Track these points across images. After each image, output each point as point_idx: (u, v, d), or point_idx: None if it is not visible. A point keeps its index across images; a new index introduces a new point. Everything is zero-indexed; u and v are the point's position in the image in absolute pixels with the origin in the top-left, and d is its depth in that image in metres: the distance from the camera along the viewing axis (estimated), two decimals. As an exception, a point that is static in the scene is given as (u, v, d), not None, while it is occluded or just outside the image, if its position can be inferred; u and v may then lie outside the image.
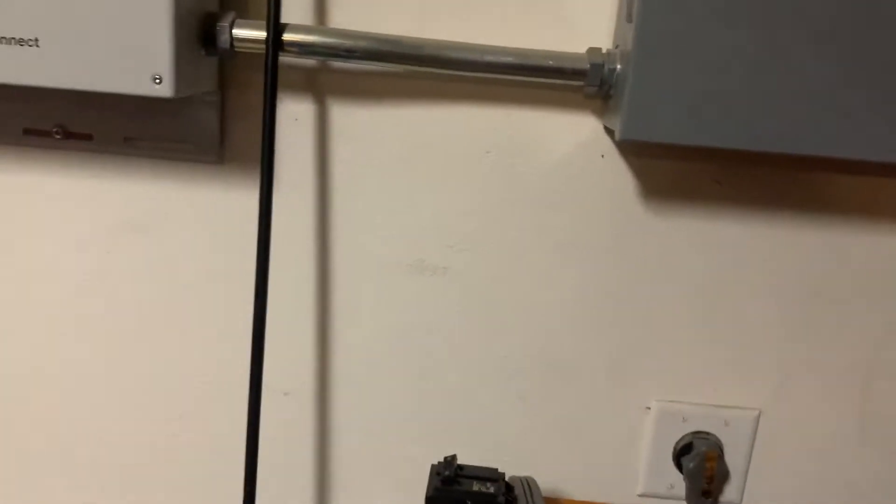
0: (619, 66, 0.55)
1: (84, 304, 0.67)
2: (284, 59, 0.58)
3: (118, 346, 0.68)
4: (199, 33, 0.55)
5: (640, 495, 0.70)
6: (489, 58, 0.57)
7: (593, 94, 0.58)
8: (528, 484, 0.59)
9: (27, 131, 0.62)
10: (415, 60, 0.56)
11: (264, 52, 0.55)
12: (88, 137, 0.62)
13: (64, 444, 0.70)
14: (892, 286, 0.65)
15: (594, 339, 0.66)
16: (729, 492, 0.69)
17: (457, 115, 0.62)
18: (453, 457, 0.57)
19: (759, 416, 0.68)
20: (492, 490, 0.55)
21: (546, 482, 0.69)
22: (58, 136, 0.62)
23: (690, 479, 0.67)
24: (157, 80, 0.51)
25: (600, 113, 0.61)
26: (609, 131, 0.61)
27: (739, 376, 0.67)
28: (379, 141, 0.63)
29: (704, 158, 0.62)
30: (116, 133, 0.61)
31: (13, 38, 0.51)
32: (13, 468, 0.71)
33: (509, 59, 0.56)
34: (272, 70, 0.55)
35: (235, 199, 0.63)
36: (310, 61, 0.61)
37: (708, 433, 0.68)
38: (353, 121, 0.62)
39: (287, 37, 0.55)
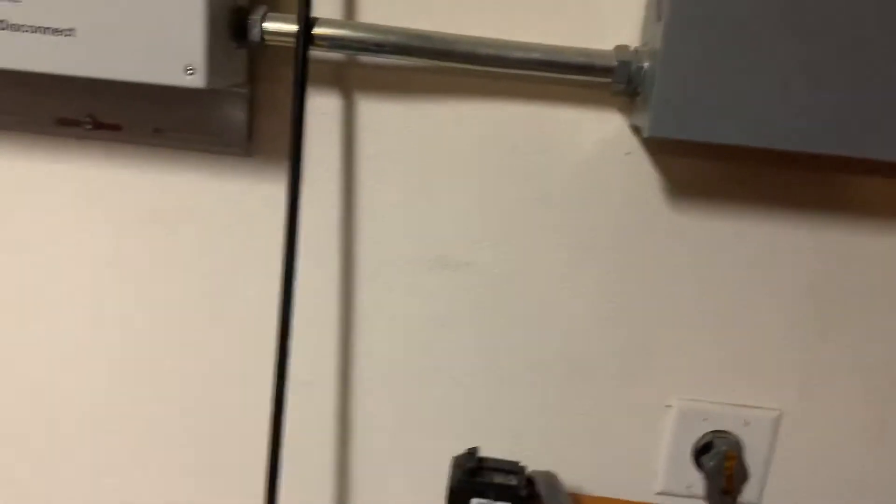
0: (646, 64, 0.56)
1: (111, 293, 0.67)
2: (313, 52, 0.58)
3: (143, 335, 0.68)
4: (230, 26, 0.55)
5: (658, 493, 0.70)
6: (518, 54, 0.57)
7: (620, 92, 0.58)
8: (550, 479, 0.59)
9: (59, 121, 0.63)
10: (444, 56, 0.57)
11: (294, 45, 0.56)
12: (118, 128, 0.62)
13: (88, 430, 0.71)
14: (916, 288, 0.65)
15: (616, 336, 0.66)
16: (748, 492, 0.69)
17: (482, 111, 0.62)
18: (475, 449, 0.58)
19: (779, 417, 0.68)
20: (514, 482, 0.55)
21: (564, 478, 0.69)
22: (88, 127, 0.62)
23: (710, 478, 0.67)
24: (191, 72, 0.52)
25: (626, 111, 0.61)
26: (635, 129, 0.61)
27: (760, 376, 0.67)
28: (404, 136, 0.63)
29: (729, 157, 0.62)
30: (146, 124, 0.62)
31: (50, 28, 0.52)
32: (38, 454, 0.72)
33: (538, 56, 0.57)
34: (302, 63, 0.56)
35: (262, 192, 0.64)
36: (338, 55, 0.61)
37: (728, 432, 0.68)
38: (380, 115, 0.63)
39: (317, 31, 0.56)
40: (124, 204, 0.65)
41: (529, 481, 0.58)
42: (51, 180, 0.65)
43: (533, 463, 0.69)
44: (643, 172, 0.62)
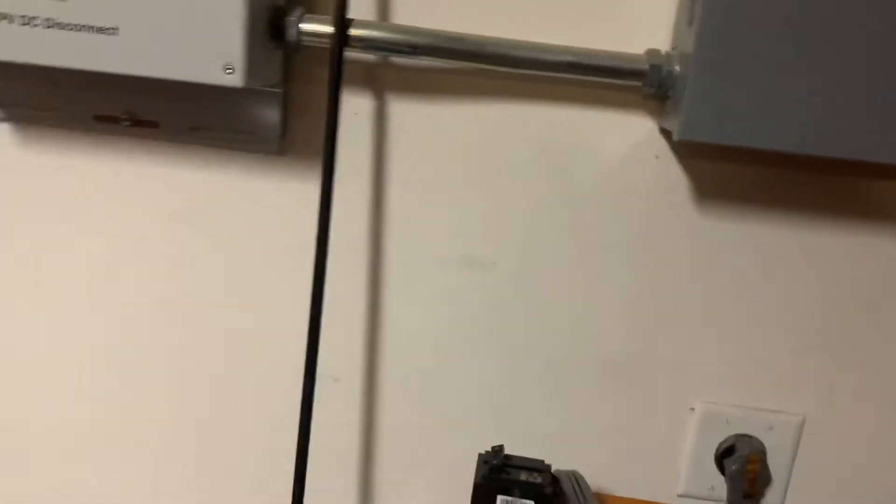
0: (677, 68, 0.56)
1: (145, 287, 0.69)
2: (347, 53, 0.59)
3: (174, 329, 0.70)
4: (268, 26, 0.56)
5: (680, 495, 0.70)
6: (549, 57, 0.58)
7: (651, 95, 0.58)
8: (576, 478, 0.60)
9: (97, 118, 0.64)
10: (477, 58, 0.58)
11: (330, 46, 0.57)
12: (155, 125, 0.64)
13: (115, 422, 0.73)
14: (943, 295, 0.64)
15: (641, 338, 0.67)
16: (770, 496, 0.70)
17: (512, 112, 0.63)
18: (501, 447, 0.58)
19: (803, 422, 0.68)
20: (539, 480, 0.56)
21: (587, 477, 0.69)
22: (126, 124, 0.64)
23: (732, 481, 0.67)
24: (229, 70, 0.53)
25: (656, 114, 0.62)
26: (665, 132, 0.62)
27: (785, 381, 0.67)
28: (435, 136, 0.64)
29: (759, 161, 0.62)
30: (182, 121, 0.63)
31: (94, 26, 0.53)
32: (68, 444, 0.73)
33: (569, 59, 0.57)
34: (338, 64, 0.57)
35: (294, 190, 0.65)
36: (371, 56, 0.62)
37: (751, 436, 0.68)
38: (411, 116, 0.64)
39: (353, 32, 0.57)
40: (159, 199, 0.66)
41: (554, 479, 0.58)
42: (89, 175, 0.66)
43: (556, 462, 0.69)
44: (672, 175, 0.63)
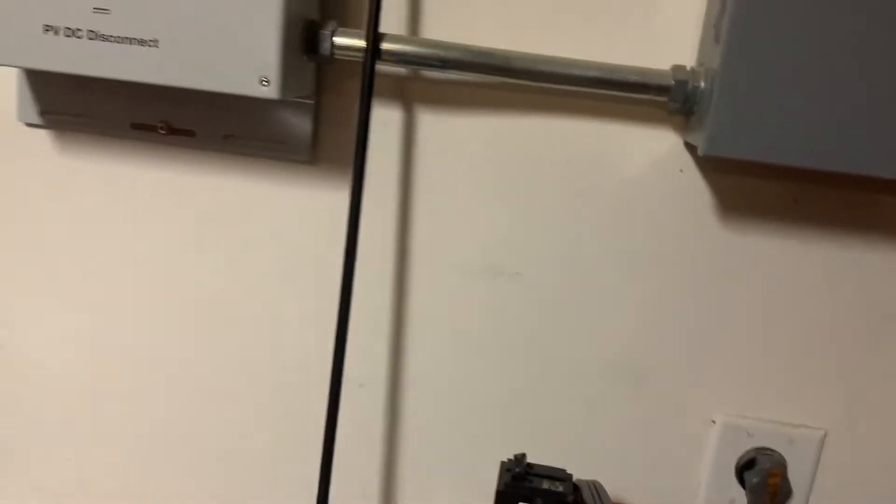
0: (702, 84, 0.57)
1: (177, 292, 0.70)
2: (378, 66, 0.60)
3: (204, 334, 0.71)
4: (302, 40, 0.58)
5: (700, 508, 0.71)
6: (576, 71, 0.59)
7: (676, 110, 0.59)
8: (596, 488, 0.61)
9: (134, 125, 0.66)
10: (505, 72, 0.59)
11: (362, 60, 0.58)
12: (191, 133, 0.65)
13: (141, 424, 0.74)
14: (968, 313, 0.64)
15: (663, 349, 0.67)
16: (791, 510, 0.70)
17: (538, 125, 0.64)
18: (523, 455, 0.59)
19: (825, 437, 0.68)
20: (560, 489, 0.56)
21: (606, 487, 0.70)
22: (162, 132, 0.66)
23: (752, 494, 0.68)
24: (265, 83, 0.54)
25: (681, 128, 0.63)
26: (689, 147, 0.62)
27: (807, 395, 0.67)
28: (462, 148, 0.65)
29: (783, 177, 0.63)
30: (217, 130, 0.65)
31: (135, 39, 0.55)
32: (102, 446, 0.75)
33: (596, 74, 0.58)
34: (370, 77, 0.58)
35: (324, 198, 0.66)
36: (401, 69, 0.63)
37: (772, 450, 0.68)
38: (439, 128, 0.65)
39: (385, 46, 0.58)
40: (193, 205, 0.68)
41: (576, 488, 0.59)
42: (125, 181, 0.68)
43: (577, 471, 0.70)
44: (696, 189, 0.63)
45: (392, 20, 0.62)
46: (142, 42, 0.55)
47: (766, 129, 0.54)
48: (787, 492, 0.69)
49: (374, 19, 0.58)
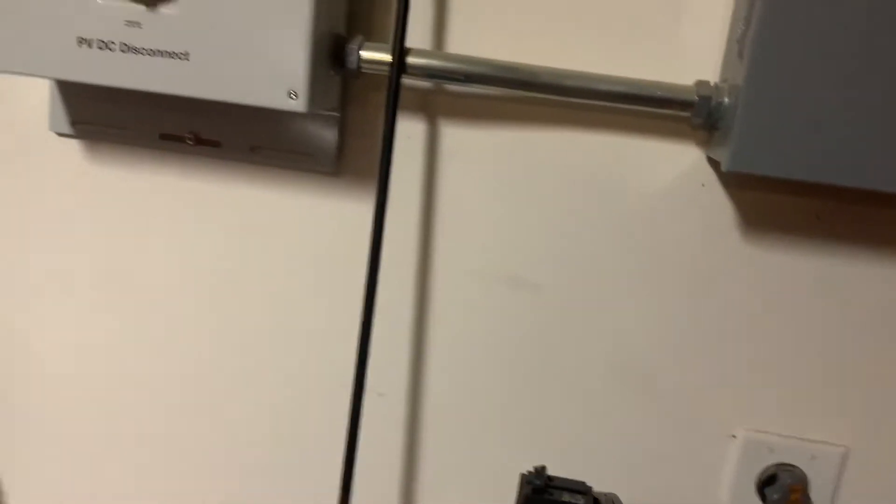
0: (726, 100, 0.57)
1: (201, 300, 0.71)
2: (403, 80, 0.61)
3: (226, 342, 0.72)
4: (329, 54, 0.59)
5: (720, 523, 0.71)
6: (600, 86, 0.59)
7: (699, 126, 0.59)
8: (614, 502, 0.61)
9: (163, 136, 0.67)
10: (529, 87, 0.59)
11: (388, 73, 0.59)
12: (218, 144, 0.66)
13: (164, 430, 0.75)
14: None
15: (684, 363, 0.67)
16: (812, 527, 0.69)
17: (560, 139, 0.65)
18: (543, 467, 0.59)
19: (846, 453, 0.68)
20: (580, 502, 0.57)
21: (625, 501, 0.70)
22: (190, 142, 0.67)
23: (773, 510, 0.67)
24: (293, 96, 0.55)
25: (703, 143, 0.63)
26: (712, 162, 0.62)
27: (829, 411, 0.67)
28: (484, 161, 0.66)
29: (806, 193, 0.62)
30: (244, 142, 0.66)
31: (167, 52, 0.56)
32: (119, 448, 0.76)
33: (620, 89, 0.59)
34: (395, 91, 0.59)
35: (348, 209, 0.67)
36: (425, 83, 0.64)
37: (793, 466, 0.68)
38: (462, 141, 0.66)
39: (410, 60, 0.59)
40: (219, 215, 0.69)
41: (595, 501, 0.59)
42: (153, 191, 0.69)
43: (596, 484, 0.70)
44: (718, 204, 0.63)
45: (417, 34, 0.63)
46: (173, 55, 0.56)
47: (789, 145, 0.54)
48: (808, 508, 0.69)
49: (400, 34, 0.58)
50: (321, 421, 0.72)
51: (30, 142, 0.70)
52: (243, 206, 0.69)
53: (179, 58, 0.56)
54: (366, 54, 0.59)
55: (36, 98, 0.69)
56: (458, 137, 0.66)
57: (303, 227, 0.68)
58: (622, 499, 0.65)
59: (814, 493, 0.68)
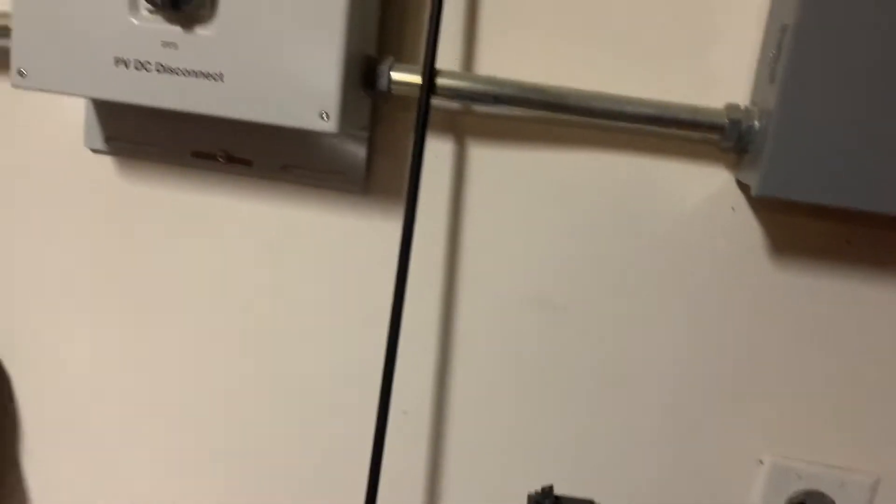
0: (757, 124, 0.57)
1: (230, 316, 0.72)
2: (432, 100, 0.62)
3: (253, 359, 0.73)
4: (360, 75, 0.59)
5: (746, 549, 0.70)
6: (629, 109, 0.59)
7: (729, 149, 0.59)
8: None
9: (195, 154, 0.68)
10: (558, 108, 0.60)
11: (418, 95, 0.60)
12: (249, 163, 0.67)
13: (190, 444, 0.76)
14: None
15: (711, 387, 0.67)
16: (840, 556, 0.68)
17: (588, 161, 0.65)
18: (550, 487, 0.59)
19: (877, 482, 0.66)
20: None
21: (650, 526, 0.70)
22: (221, 160, 0.68)
23: (801, 538, 0.66)
24: (325, 117, 0.56)
25: (733, 166, 0.63)
26: (741, 185, 0.62)
27: (860, 438, 0.66)
28: (512, 181, 0.66)
29: (836, 217, 0.62)
30: (275, 160, 0.67)
31: (201, 73, 0.57)
32: (146, 462, 0.77)
33: (649, 111, 0.59)
34: (425, 112, 0.59)
35: (376, 228, 0.68)
36: (454, 104, 0.65)
37: (822, 493, 0.67)
38: (489, 161, 0.66)
39: (440, 81, 0.60)
40: (249, 233, 0.70)
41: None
42: (184, 208, 0.70)
43: (620, 508, 0.70)
44: (748, 228, 0.63)
45: (447, 54, 0.64)
46: (207, 76, 0.57)
47: (821, 171, 0.54)
48: (836, 537, 0.68)
49: (430, 56, 0.59)
50: (346, 437, 0.73)
51: (65, 157, 0.71)
52: (272, 224, 0.69)
53: (214, 79, 0.57)
54: (396, 76, 0.60)
55: (71, 115, 0.70)
56: (485, 158, 0.66)
57: (331, 244, 0.69)
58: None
59: (843, 522, 0.67)
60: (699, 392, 0.67)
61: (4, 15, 0.62)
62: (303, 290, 0.70)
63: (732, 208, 0.63)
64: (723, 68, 0.61)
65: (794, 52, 0.52)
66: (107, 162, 0.71)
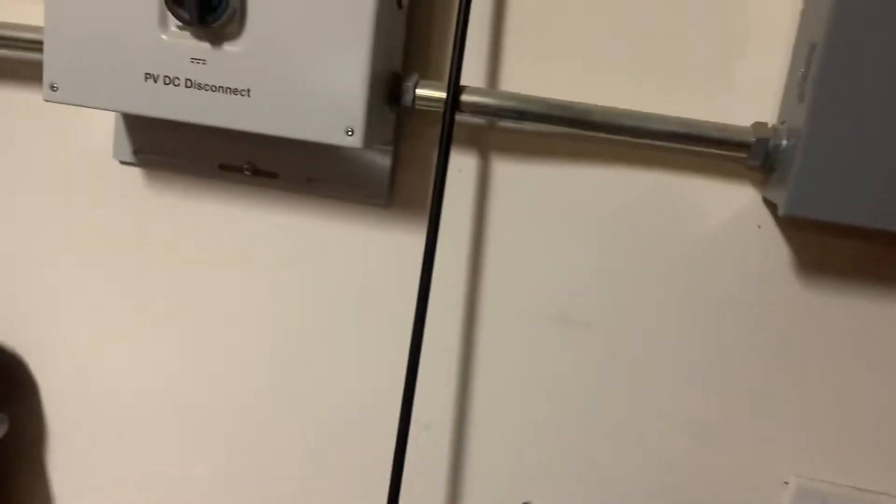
0: (784, 142, 0.56)
1: (253, 326, 0.73)
2: (457, 116, 0.62)
3: (277, 370, 0.73)
4: (385, 91, 0.60)
5: (769, 571, 0.69)
6: (655, 126, 0.59)
7: (756, 167, 0.59)
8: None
9: (222, 166, 0.69)
10: (582, 125, 0.59)
11: (442, 111, 0.60)
12: (275, 176, 0.68)
13: (211, 454, 0.77)
14: None
15: (736, 406, 0.66)
16: (867, 580, 0.67)
17: (612, 177, 0.64)
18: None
19: (905, 505, 0.65)
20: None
21: (672, 545, 0.69)
22: (248, 173, 0.68)
23: (826, 561, 0.65)
24: (350, 133, 0.56)
25: (759, 184, 0.62)
26: (768, 203, 0.62)
27: (888, 461, 0.65)
28: (535, 197, 0.66)
29: (866, 237, 0.61)
30: (300, 173, 0.67)
31: (229, 88, 0.57)
32: (175, 468, 0.78)
33: (675, 128, 0.58)
34: (449, 128, 0.60)
35: (399, 241, 0.68)
36: (478, 119, 0.65)
37: (848, 516, 0.66)
38: (512, 176, 0.66)
39: (465, 98, 0.60)
40: (273, 244, 0.70)
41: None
42: (210, 219, 0.71)
43: (642, 526, 0.69)
44: (774, 246, 0.62)
45: (472, 71, 0.64)
46: (235, 91, 0.57)
47: (850, 191, 0.53)
48: (863, 561, 0.67)
49: (455, 73, 0.59)
50: (366, 450, 0.73)
51: (94, 169, 0.72)
52: (296, 236, 0.70)
53: (241, 94, 0.57)
54: (421, 92, 0.60)
55: (101, 128, 0.71)
56: (509, 173, 0.66)
57: (354, 257, 0.69)
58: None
59: (869, 545, 0.66)
60: (724, 411, 0.66)
61: (37, 29, 0.64)
62: (325, 301, 0.71)
63: (759, 226, 0.62)
64: (750, 86, 0.61)
65: (824, 71, 0.52)
66: (135, 174, 0.72)
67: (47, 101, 0.60)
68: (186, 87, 0.58)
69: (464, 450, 0.71)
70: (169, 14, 0.57)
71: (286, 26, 0.56)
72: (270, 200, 0.69)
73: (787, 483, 0.67)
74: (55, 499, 0.81)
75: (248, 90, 0.57)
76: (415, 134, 0.66)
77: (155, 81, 0.59)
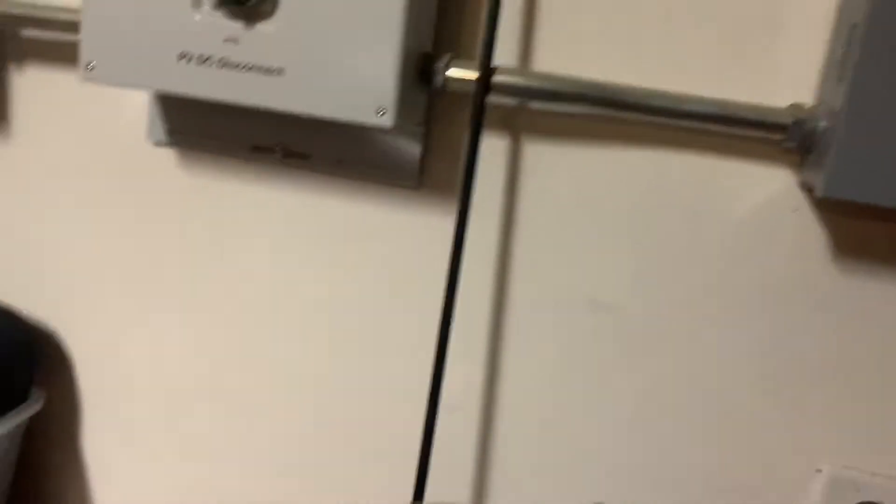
0: (822, 124, 0.55)
1: (285, 308, 0.73)
2: (488, 97, 0.61)
3: (305, 353, 0.74)
4: (417, 72, 0.60)
5: (801, 560, 0.68)
6: (690, 107, 0.58)
7: (792, 149, 0.58)
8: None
9: (254, 148, 0.69)
10: (616, 106, 0.59)
11: (473, 92, 0.60)
12: (306, 157, 0.68)
13: (240, 435, 0.77)
14: None
15: (768, 393, 0.65)
16: (901, 571, 0.66)
17: (646, 159, 0.64)
18: None
19: (942, 496, 0.64)
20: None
21: (701, 532, 0.68)
22: (279, 155, 0.69)
23: (859, 551, 0.64)
24: (381, 113, 0.56)
25: (795, 166, 0.61)
26: (804, 186, 0.61)
27: (924, 451, 0.64)
28: (567, 179, 0.65)
29: (905, 221, 0.60)
30: (331, 155, 0.68)
31: (262, 67, 0.58)
32: (207, 450, 0.79)
33: (710, 110, 0.58)
34: (480, 109, 0.59)
35: (429, 223, 0.68)
36: (509, 100, 0.64)
37: (882, 505, 0.65)
38: (544, 158, 0.65)
39: (497, 79, 0.59)
40: (305, 226, 0.71)
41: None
42: (242, 200, 0.72)
43: (671, 512, 0.68)
44: (810, 230, 0.61)
45: (505, 51, 0.63)
46: (268, 71, 0.58)
47: (889, 172, 0.52)
48: (897, 551, 0.66)
49: (487, 53, 0.59)
50: (394, 434, 0.73)
51: (128, 150, 0.73)
52: (327, 218, 0.70)
53: (274, 73, 0.58)
54: (453, 73, 0.60)
55: (134, 109, 0.72)
56: (541, 155, 0.65)
57: (384, 238, 0.69)
58: (698, 529, 0.64)
59: (904, 536, 0.65)
60: (757, 397, 0.65)
61: (75, 11, 0.64)
62: (355, 282, 0.71)
63: (795, 210, 0.61)
64: (787, 66, 0.59)
65: (864, 52, 0.51)
66: (169, 155, 0.73)
67: (85, 80, 0.61)
68: (220, 66, 0.59)
69: (492, 433, 0.71)
70: (203, -7, 0.57)
71: (319, 5, 0.56)
72: (301, 182, 0.70)
73: (819, 471, 0.66)
74: (90, 476, 0.83)
75: (281, 69, 0.58)
76: (446, 116, 0.66)
77: (188, 61, 0.59)
